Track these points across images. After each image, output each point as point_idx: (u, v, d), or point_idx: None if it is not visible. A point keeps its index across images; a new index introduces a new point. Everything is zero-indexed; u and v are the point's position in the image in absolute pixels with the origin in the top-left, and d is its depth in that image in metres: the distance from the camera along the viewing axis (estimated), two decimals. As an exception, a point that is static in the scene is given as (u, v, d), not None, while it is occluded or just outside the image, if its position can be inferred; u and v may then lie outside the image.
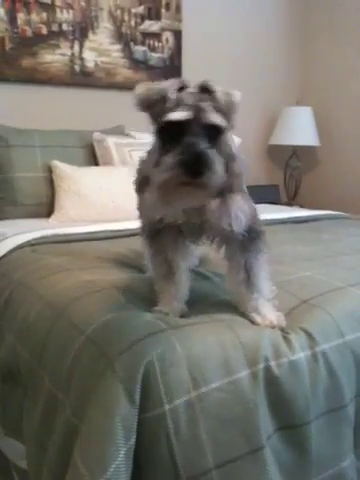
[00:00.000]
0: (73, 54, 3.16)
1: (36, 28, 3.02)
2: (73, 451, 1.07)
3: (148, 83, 1.12)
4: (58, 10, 3.07)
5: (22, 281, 1.64)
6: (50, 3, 3.04)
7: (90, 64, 3.23)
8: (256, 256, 1.27)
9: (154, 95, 1.08)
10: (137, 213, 1.64)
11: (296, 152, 3.95)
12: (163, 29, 3.47)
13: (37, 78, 3.06)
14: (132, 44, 3.37)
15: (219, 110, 1.08)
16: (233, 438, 1.08)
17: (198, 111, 1.05)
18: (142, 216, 1.29)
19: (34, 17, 3.00)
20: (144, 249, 1.64)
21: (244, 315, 1.29)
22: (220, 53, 3.67)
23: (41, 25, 3.03)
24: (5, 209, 2.60)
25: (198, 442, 1.05)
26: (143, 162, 1.64)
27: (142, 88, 1.11)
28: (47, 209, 2.64)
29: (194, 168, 1.01)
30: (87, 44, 3.20)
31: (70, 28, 3.13)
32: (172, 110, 1.05)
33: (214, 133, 1.07)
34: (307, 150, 4.00)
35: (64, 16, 3.10)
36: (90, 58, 3.22)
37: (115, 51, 3.31)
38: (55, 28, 3.08)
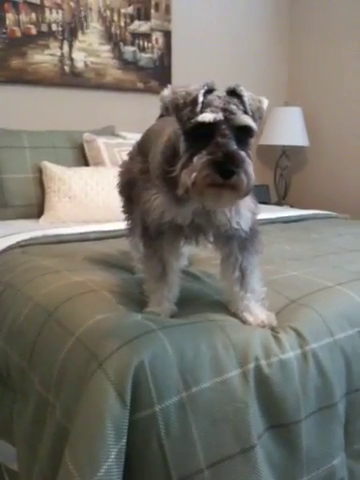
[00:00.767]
0: (62, 54, 3.15)
1: (25, 28, 3.01)
2: (64, 453, 1.06)
3: (174, 86, 1.12)
4: (47, 10, 3.07)
5: (11, 283, 1.63)
6: (39, 3, 3.03)
7: (80, 64, 3.22)
8: (253, 256, 1.28)
9: (181, 98, 1.08)
10: (123, 215, 1.65)
11: (286, 152, 3.97)
12: (153, 29, 3.47)
13: (26, 79, 3.05)
14: (122, 44, 3.36)
15: (247, 114, 1.08)
16: (224, 437, 1.09)
17: (228, 113, 1.05)
18: (146, 217, 1.25)
19: (23, 17, 2.99)
20: (132, 250, 1.65)
21: (235, 315, 1.29)
22: (209, 54, 3.68)
23: (30, 25, 3.02)
24: (-6, 210, 2.59)
25: (189, 442, 1.05)
26: (124, 164, 1.64)
27: (168, 91, 1.11)
28: (37, 210, 2.64)
29: (226, 168, 1.01)
30: (76, 44, 3.20)
31: (59, 28, 3.12)
32: (201, 112, 1.05)
33: (243, 136, 1.07)
34: (296, 150, 4.02)
35: (53, 16, 3.09)
36: (80, 58, 3.22)
37: (105, 51, 3.31)
38: (44, 28, 3.07)
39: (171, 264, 1.30)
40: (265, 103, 1.15)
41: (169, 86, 1.14)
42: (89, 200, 2.54)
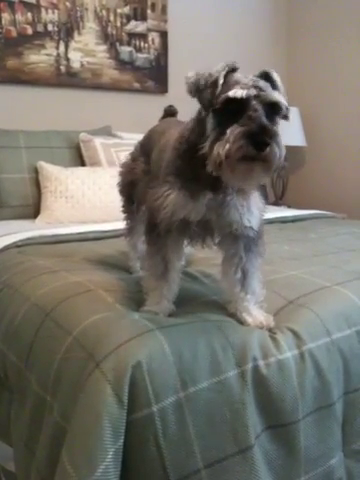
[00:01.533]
0: (59, 54, 3.15)
1: (21, 28, 3.00)
2: (61, 453, 1.06)
3: (199, 70, 1.12)
4: (43, 10, 3.06)
5: (8, 283, 1.63)
6: (35, 3, 3.03)
7: (76, 64, 3.22)
8: (256, 257, 1.28)
9: (204, 79, 1.08)
10: (123, 215, 1.65)
11: (283, 152, 3.97)
12: (149, 29, 3.47)
13: (22, 79, 3.04)
14: (118, 44, 3.36)
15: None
16: (222, 438, 1.08)
17: (259, 89, 1.05)
18: (156, 214, 1.23)
19: (19, 17, 2.99)
20: (130, 250, 1.65)
21: (232, 315, 1.29)
22: (206, 54, 3.67)
23: (26, 25, 3.02)
24: (-9, 210, 2.59)
25: (186, 442, 1.05)
26: (126, 164, 1.64)
27: (192, 74, 1.11)
28: (33, 210, 2.63)
29: (260, 140, 1.01)
30: (73, 44, 3.20)
31: (55, 28, 3.12)
32: (231, 88, 1.05)
33: (273, 113, 1.07)
34: (294, 150, 4.01)
35: (49, 16, 3.09)
36: (76, 58, 3.21)
37: (101, 51, 3.31)
38: (40, 28, 3.07)
39: (173, 263, 1.29)
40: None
41: (193, 69, 1.13)
42: (86, 200, 2.54)
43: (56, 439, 1.12)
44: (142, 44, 3.46)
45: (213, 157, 1.05)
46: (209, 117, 1.10)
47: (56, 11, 3.11)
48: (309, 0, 3.97)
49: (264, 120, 1.03)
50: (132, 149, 1.68)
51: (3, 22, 2.94)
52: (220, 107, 1.06)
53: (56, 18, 3.11)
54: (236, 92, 1.04)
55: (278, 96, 1.08)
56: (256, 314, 1.27)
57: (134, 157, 1.60)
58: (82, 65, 3.24)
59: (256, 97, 1.05)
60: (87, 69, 3.26)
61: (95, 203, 2.55)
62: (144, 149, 1.54)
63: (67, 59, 3.18)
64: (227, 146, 1.02)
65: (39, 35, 3.07)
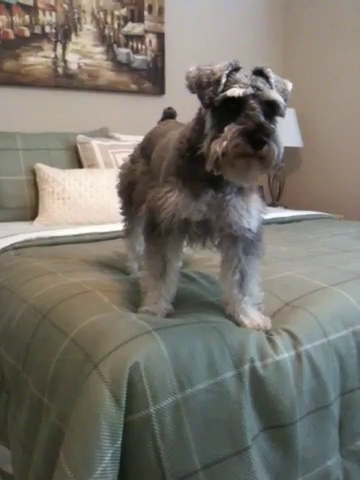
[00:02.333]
0: (56, 56, 3.15)
1: (18, 30, 3.00)
2: (59, 455, 1.06)
3: (200, 64, 1.12)
4: (41, 12, 3.07)
5: (5, 285, 1.63)
6: (32, 5, 3.03)
7: (73, 66, 3.22)
8: (255, 259, 1.28)
9: (206, 76, 1.09)
10: (121, 216, 1.65)
11: (280, 153, 3.98)
12: (146, 31, 3.47)
13: (20, 81, 3.04)
14: (115, 46, 3.37)
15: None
16: (219, 439, 1.09)
17: (256, 89, 1.06)
18: (156, 214, 1.22)
19: (16, 19, 2.99)
20: (128, 251, 1.65)
21: (230, 317, 1.29)
22: (203, 55, 3.64)
23: (23, 27, 3.02)
24: (-12, 213, 2.59)
25: (184, 443, 1.05)
26: (125, 166, 1.65)
27: (194, 69, 1.11)
28: (31, 212, 2.64)
29: (257, 138, 1.02)
30: (70, 46, 3.20)
31: (53, 30, 3.12)
32: (230, 88, 1.06)
33: (270, 112, 1.08)
34: (290, 151, 4.02)
35: (47, 18, 3.09)
36: (73, 60, 3.22)
37: (98, 53, 3.31)
38: (38, 30, 3.07)
39: (172, 263, 1.30)
40: (289, 86, 1.17)
41: (194, 64, 1.14)
42: (83, 202, 2.54)
43: (54, 441, 1.12)
44: (139, 46, 3.46)
45: (211, 155, 1.06)
46: (208, 115, 1.11)
47: (53, 13, 3.11)
48: (306, 1, 3.98)
49: (262, 118, 1.04)
50: (130, 151, 1.68)
51: (0, 24, 2.94)
52: (219, 106, 1.07)
53: (53, 20, 3.12)
54: (234, 91, 1.05)
55: (275, 95, 1.09)
56: (253, 316, 1.27)
57: (134, 159, 1.61)
58: (79, 67, 3.24)
59: (254, 96, 1.05)
60: (84, 71, 3.26)
61: (92, 205, 2.55)
62: (144, 151, 1.54)
63: (64, 61, 3.19)
64: (224, 143, 1.03)
65: (36, 37, 3.07)
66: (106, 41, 3.33)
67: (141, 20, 3.44)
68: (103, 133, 3.12)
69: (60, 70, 3.18)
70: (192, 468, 1.05)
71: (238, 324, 1.27)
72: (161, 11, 3.50)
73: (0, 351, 1.47)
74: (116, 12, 3.34)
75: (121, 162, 1.77)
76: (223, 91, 1.06)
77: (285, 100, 1.13)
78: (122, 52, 3.40)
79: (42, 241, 2.03)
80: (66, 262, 1.74)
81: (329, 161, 3.89)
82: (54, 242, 2.03)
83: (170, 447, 1.04)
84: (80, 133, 2.94)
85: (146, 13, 3.45)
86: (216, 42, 3.75)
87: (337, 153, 3.84)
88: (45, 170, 2.63)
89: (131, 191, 1.55)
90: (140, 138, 1.66)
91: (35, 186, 2.66)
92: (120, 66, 3.40)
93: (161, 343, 1.11)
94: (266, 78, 1.10)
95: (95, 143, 2.88)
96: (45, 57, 3.11)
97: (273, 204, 3.93)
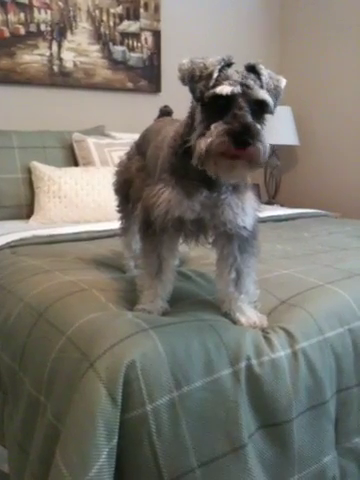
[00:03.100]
0: (51, 54, 3.14)
1: (14, 28, 2.99)
2: (55, 453, 1.06)
3: (193, 57, 1.12)
4: (36, 10, 3.05)
5: (1, 284, 1.62)
6: (27, 3, 3.01)
7: (69, 64, 3.21)
8: (251, 258, 1.28)
9: (198, 70, 1.09)
10: (118, 214, 1.65)
11: (276, 151, 3.98)
12: (142, 29, 3.46)
13: (15, 79, 3.03)
14: (111, 44, 3.36)
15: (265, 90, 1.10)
16: (215, 437, 1.09)
17: (246, 87, 1.06)
18: (150, 211, 1.22)
19: (11, 17, 2.97)
20: (125, 249, 1.65)
21: (226, 315, 1.29)
22: (199, 53, 3.65)
23: (19, 25, 3.01)
24: (-16, 211, 2.58)
25: (180, 441, 1.05)
26: (122, 163, 1.64)
27: (187, 61, 1.11)
28: (27, 210, 2.63)
29: (242, 139, 1.02)
30: (65, 44, 3.19)
31: (48, 28, 3.11)
32: (219, 84, 1.05)
33: (259, 111, 1.08)
34: (287, 149, 4.03)
35: (42, 16, 3.08)
36: (69, 58, 3.20)
37: (94, 51, 3.30)
38: (33, 28, 3.05)
39: (168, 261, 1.30)
40: (283, 82, 1.16)
41: (188, 57, 1.13)
42: (79, 200, 2.54)
43: (50, 440, 1.12)
44: (135, 44, 3.45)
45: (196, 150, 1.07)
46: (198, 110, 1.11)
47: (49, 11, 3.10)
48: (302, 0, 3.98)
49: (248, 119, 1.04)
50: (126, 149, 1.68)
51: (-5, 22, 2.93)
52: (208, 101, 1.07)
53: (49, 18, 3.10)
54: (223, 89, 1.05)
55: (264, 94, 1.08)
56: (250, 314, 1.27)
57: (130, 156, 1.61)
58: (75, 65, 3.23)
59: (243, 94, 1.05)
60: (80, 69, 3.25)
61: (88, 203, 2.54)
62: (140, 148, 1.54)
63: (60, 59, 3.17)
64: (208, 141, 1.03)
65: (32, 35, 3.06)
66: (102, 39, 3.32)
67: (137, 18, 3.43)
68: (99, 131, 3.11)
69: (56, 68, 3.17)
70: (189, 466, 1.05)
71: (234, 322, 1.27)
72: (157, 9, 3.49)
73: (-4, 350, 1.46)
74: (112, 10, 3.33)
75: (117, 160, 1.77)
76: (214, 86, 1.06)
77: (277, 97, 1.13)
78: (118, 50, 3.39)
79: (38, 239, 2.03)
80: (62, 260, 1.74)
81: (325, 159, 3.90)
82: (50, 240, 2.03)
83: (166, 445, 1.04)
84: (76, 131, 2.93)
85: (142, 11, 3.44)
86: (212, 40, 3.75)
87: (333, 151, 3.84)
88: (41, 168, 2.63)
89: (128, 189, 1.55)
90: (136, 136, 1.66)
91: (31, 184, 2.65)
92: (116, 64, 3.39)
93: (157, 341, 1.11)
94: (258, 75, 1.10)
95: (91, 141, 2.87)
96: (40, 55, 3.10)
97: (269, 202, 3.93)
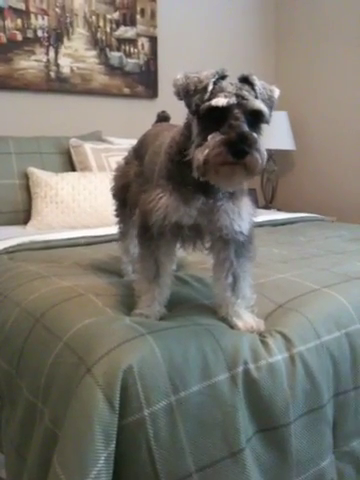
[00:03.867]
0: (48, 60, 3.15)
1: (11, 34, 3.00)
2: (53, 459, 1.06)
3: (187, 71, 1.14)
4: (33, 16, 3.06)
5: (-2, 289, 1.62)
6: (24, 9, 3.02)
7: (66, 70, 3.22)
8: (247, 262, 1.29)
9: (194, 84, 1.10)
10: (116, 219, 1.66)
11: (272, 156, 3.99)
12: (138, 35, 3.48)
13: (12, 84, 3.04)
14: (108, 50, 3.37)
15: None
16: (213, 441, 1.09)
17: (241, 98, 1.07)
18: (148, 217, 1.23)
19: (8, 23, 2.98)
20: (122, 254, 1.65)
21: (223, 319, 1.29)
22: (195, 58, 3.68)
23: (16, 31, 3.01)
24: (-19, 217, 2.58)
25: (178, 446, 1.05)
26: (120, 168, 1.65)
27: (181, 76, 1.13)
28: (24, 216, 2.63)
29: (239, 148, 1.03)
30: (62, 50, 3.20)
31: (45, 34, 3.12)
32: (214, 96, 1.07)
33: (255, 121, 1.10)
34: (283, 154, 4.04)
35: (39, 22, 3.09)
36: (66, 64, 3.21)
37: (91, 57, 3.31)
38: (30, 34, 3.06)
39: (165, 266, 1.30)
40: (276, 92, 1.18)
41: (182, 71, 1.15)
42: (76, 205, 2.54)
43: (47, 445, 1.12)
44: (132, 49, 3.47)
45: (195, 161, 1.08)
46: (194, 122, 1.12)
47: (46, 17, 3.11)
48: (298, 5, 4.00)
49: (244, 128, 1.05)
50: (123, 154, 1.69)
51: (-8, 28, 2.94)
52: (204, 114, 1.08)
53: (46, 24, 3.11)
54: (218, 101, 1.06)
55: (259, 104, 1.09)
56: (247, 318, 1.28)
57: (128, 161, 1.62)
58: (72, 70, 3.24)
59: (238, 105, 1.07)
60: (77, 74, 3.26)
61: (85, 208, 2.54)
62: (137, 153, 1.55)
63: (57, 65, 3.18)
64: (206, 151, 1.05)
65: (29, 41, 3.07)
66: (98, 45, 3.33)
67: (133, 24, 3.44)
68: (96, 137, 3.12)
69: (53, 74, 3.18)
70: (186, 471, 1.05)
71: (231, 326, 1.28)
72: (153, 15, 3.50)
73: (-7, 355, 1.46)
74: (108, 16, 3.34)
75: (114, 165, 1.77)
76: (209, 99, 1.07)
77: (271, 107, 1.14)
78: (115, 56, 3.40)
79: (35, 245, 2.03)
80: (59, 266, 1.74)
81: (322, 164, 3.91)
82: (47, 246, 2.03)
83: (164, 450, 1.04)
84: (73, 137, 2.94)
85: (138, 17, 3.45)
86: (208, 46, 3.77)
87: (330, 156, 3.86)
88: (38, 174, 2.63)
89: (125, 193, 1.55)
90: (133, 141, 1.66)
91: (28, 190, 2.66)
92: (113, 70, 3.40)
93: (155, 346, 1.11)
94: (251, 85, 1.11)
95: (88, 147, 2.88)
96: (37, 61, 3.11)
97: (266, 207, 3.94)
